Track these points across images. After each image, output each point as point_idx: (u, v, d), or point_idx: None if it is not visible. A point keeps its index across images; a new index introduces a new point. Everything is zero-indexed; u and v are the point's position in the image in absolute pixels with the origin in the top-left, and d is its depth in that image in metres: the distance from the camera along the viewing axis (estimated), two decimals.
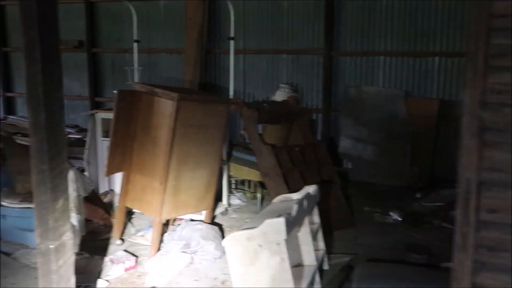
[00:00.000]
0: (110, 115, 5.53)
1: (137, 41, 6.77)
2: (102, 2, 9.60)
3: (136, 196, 4.58)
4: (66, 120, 8.84)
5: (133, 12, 6.74)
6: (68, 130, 9.46)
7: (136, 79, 6.68)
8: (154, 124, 4.42)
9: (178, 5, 8.88)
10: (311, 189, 4.03)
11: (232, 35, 5.92)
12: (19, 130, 10.03)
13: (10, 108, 11.13)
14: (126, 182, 4.62)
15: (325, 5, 7.91)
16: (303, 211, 3.58)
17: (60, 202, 2.55)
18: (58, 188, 2.53)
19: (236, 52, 7.00)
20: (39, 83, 2.38)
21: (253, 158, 6.01)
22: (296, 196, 3.94)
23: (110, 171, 4.44)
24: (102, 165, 5.77)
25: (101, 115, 5.64)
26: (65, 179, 2.60)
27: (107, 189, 5.83)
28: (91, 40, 9.76)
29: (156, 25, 9.23)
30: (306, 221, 3.72)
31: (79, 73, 9.96)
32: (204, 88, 8.77)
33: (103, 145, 5.64)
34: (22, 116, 10.94)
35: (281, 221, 2.99)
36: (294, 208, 3.32)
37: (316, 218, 4.12)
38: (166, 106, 4.30)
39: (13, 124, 10.41)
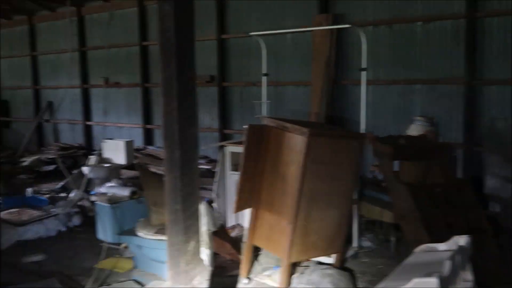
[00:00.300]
0: (239, 149, 5.54)
1: (265, 74, 6.79)
2: (233, 38, 9.98)
3: (264, 235, 4.42)
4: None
5: (263, 46, 6.80)
6: (199, 161, 9.86)
7: (264, 112, 6.66)
8: (284, 160, 4.25)
9: (305, 36, 8.84)
10: (462, 240, 3.45)
11: (364, 65, 5.59)
12: (155, 159, 10.76)
13: (149, 139, 12.04)
14: (254, 220, 4.49)
15: (465, 27, 7.17)
16: (456, 269, 3.04)
17: (192, 244, 2.46)
18: (190, 229, 2.44)
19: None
20: (174, 120, 2.34)
21: (386, 198, 5.54)
22: (443, 247, 3.40)
23: (239, 208, 4.35)
24: (230, 198, 5.77)
25: (231, 148, 5.67)
26: (197, 219, 2.51)
27: (234, 223, 5.80)
28: (222, 74, 10.17)
29: (283, 58, 9.27)
30: (459, 279, 3.16)
31: (210, 106, 10.40)
32: (331, 121, 8.50)
33: (232, 178, 5.65)
34: (158, 147, 11.76)
35: (433, 282, 2.53)
36: (447, 265, 2.82)
37: (469, 275, 3.51)
38: (296, 142, 4.11)
39: (150, 154, 11.21)
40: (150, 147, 11.74)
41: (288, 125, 4.14)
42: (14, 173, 10.21)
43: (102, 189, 8.15)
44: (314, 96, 8.70)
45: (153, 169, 9.12)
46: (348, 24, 6.98)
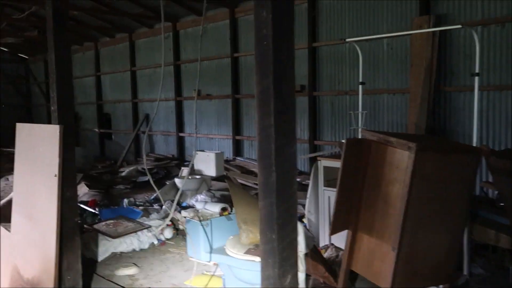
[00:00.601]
0: (333, 163, 5.18)
1: (362, 83, 6.36)
2: (324, 46, 9.64)
3: (362, 260, 4.00)
4: None
5: (359, 52, 6.39)
6: None
7: (360, 123, 6.23)
8: (386, 178, 3.81)
9: (403, 41, 8.25)
10: None
11: (477, 70, 4.96)
12: (245, 171, 10.70)
13: (238, 150, 12.05)
14: (351, 243, 4.09)
15: None
16: None
17: (288, 279, 2.17)
18: (286, 262, 2.15)
19: (471, 89, 5.93)
20: (271, 137, 2.08)
21: (503, 220, 4.84)
22: None
23: (336, 230, 3.99)
24: (323, 216, 5.41)
25: (324, 162, 5.32)
26: (295, 250, 2.21)
27: (327, 242, 5.42)
28: (312, 83, 9.85)
29: (378, 64, 8.74)
30: None
31: (299, 116, 10.13)
32: (432, 132, 7.79)
33: (325, 194, 5.30)
34: (248, 158, 11.71)
35: None
36: None
37: None
38: (401, 158, 3.66)
39: (240, 166, 11.18)
40: (239, 158, 11.74)
41: (391, 139, 3.70)
42: (114, 184, 10.74)
43: (194, 202, 8.24)
44: (412, 105, 8.06)
45: (242, 181, 9.04)
46: (455, 25, 6.30)
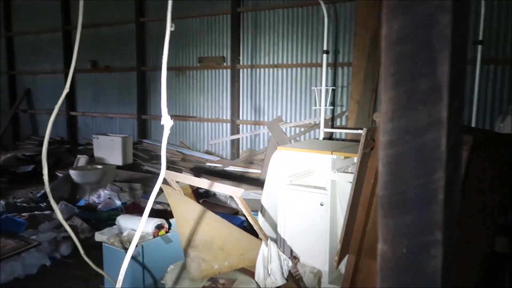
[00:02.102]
0: (298, 154, 3.94)
1: (326, 52, 5.14)
2: (251, 12, 8.30)
3: None
4: None
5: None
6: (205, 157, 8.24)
7: (325, 103, 5.05)
8: None
9: (347, 7, 7.26)
10: None
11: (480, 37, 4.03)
12: (154, 156, 9.08)
13: (144, 131, 10.32)
14: (352, 271, 2.89)
15: None
16: None
17: None
18: None
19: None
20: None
21: None
22: None
23: (343, 257, 2.75)
24: (282, 220, 4.15)
25: (287, 153, 4.04)
26: None
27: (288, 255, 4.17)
28: (237, 54, 8.51)
29: (318, 34, 7.66)
30: None
31: (220, 92, 8.75)
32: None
33: (288, 194, 4.03)
34: (157, 141, 10.06)
35: None
36: None
37: None
38: None
39: (147, 150, 9.51)
40: (146, 141, 10.05)
41: None
42: None
43: (95, 199, 6.49)
44: (355, 81, 7.10)
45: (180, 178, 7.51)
46: None
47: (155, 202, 5.96)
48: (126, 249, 3.06)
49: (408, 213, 0.90)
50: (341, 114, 7.52)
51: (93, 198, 6.75)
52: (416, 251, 0.90)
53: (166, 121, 1.41)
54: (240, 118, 8.62)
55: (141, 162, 8.58)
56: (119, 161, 7.82)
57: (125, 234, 3.26)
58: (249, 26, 8.32)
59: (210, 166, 8.18)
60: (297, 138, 7.83)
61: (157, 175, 7.84)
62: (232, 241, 3.12)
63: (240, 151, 8.68)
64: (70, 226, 4.81)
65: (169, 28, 1.38)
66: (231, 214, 5.54)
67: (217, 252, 3.01)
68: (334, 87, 5.36)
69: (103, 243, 3.37)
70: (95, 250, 3.65)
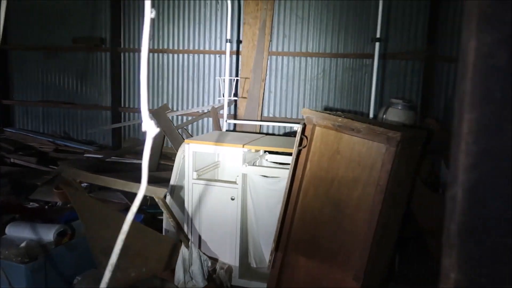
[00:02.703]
0: (206, 148, 3.82)
1: (230, 40, 4.98)
2: None
3: None
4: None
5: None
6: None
7: (228, 93, 4.91)
8: (342, 180, 2.71)
9: None
10: None
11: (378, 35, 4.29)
12: (21, 147, 8.07)
13: (7, 119, 9.09)
14: (279, 268, 2.88)
15: None
16: None
17: None
18: None
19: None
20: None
21: None
22: None
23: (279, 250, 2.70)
24: (187, 216, 3.98)
25: (195, 147, 3.87)
26: None
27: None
28: (117, 36, 7.92)
29: (205, 22, 7.48)
30: None
31: (98, 77, 8.08)
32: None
33: (194, 189, 3.87)
34: (23, 129, 8.96)
35: None
36: None
37: None
38: (369, 152, 2.61)
39: (14, 140, 8.41)
40: (10, 130, 8.86)
41: (357, 124, 2.59)
42: None
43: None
44: (245, 71, 7.14)
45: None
46: None
47: (32, 201, 5.29)
48: (26, 263, 2.59)
49: (490, 240, 0.86)
50: (230, 103, 7.50)
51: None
52: (496, 281, 0.87)
53: (149, 127, 1.18)
54: (122, 105, 8.08)
55: (4, 154, 7.55)
56: None
57: (21, 243, 2.76)
58: (131, 6, 7.79)
59: (88, 157, 7.53)
60: (185, 127, 7.61)
61: (28, 168, 7.00)
62: (148, 244, 2.87)
63: (122, 140, 8.16)
64: None
65: (148, 14, 1.16)
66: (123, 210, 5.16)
67: (133, 257, 2.75)
68: (237, 77, 5.34)
69: None
70: None
